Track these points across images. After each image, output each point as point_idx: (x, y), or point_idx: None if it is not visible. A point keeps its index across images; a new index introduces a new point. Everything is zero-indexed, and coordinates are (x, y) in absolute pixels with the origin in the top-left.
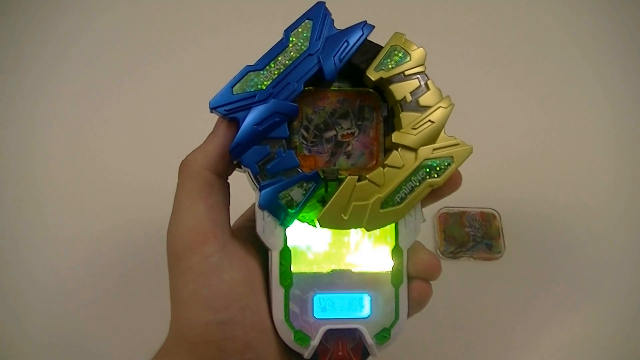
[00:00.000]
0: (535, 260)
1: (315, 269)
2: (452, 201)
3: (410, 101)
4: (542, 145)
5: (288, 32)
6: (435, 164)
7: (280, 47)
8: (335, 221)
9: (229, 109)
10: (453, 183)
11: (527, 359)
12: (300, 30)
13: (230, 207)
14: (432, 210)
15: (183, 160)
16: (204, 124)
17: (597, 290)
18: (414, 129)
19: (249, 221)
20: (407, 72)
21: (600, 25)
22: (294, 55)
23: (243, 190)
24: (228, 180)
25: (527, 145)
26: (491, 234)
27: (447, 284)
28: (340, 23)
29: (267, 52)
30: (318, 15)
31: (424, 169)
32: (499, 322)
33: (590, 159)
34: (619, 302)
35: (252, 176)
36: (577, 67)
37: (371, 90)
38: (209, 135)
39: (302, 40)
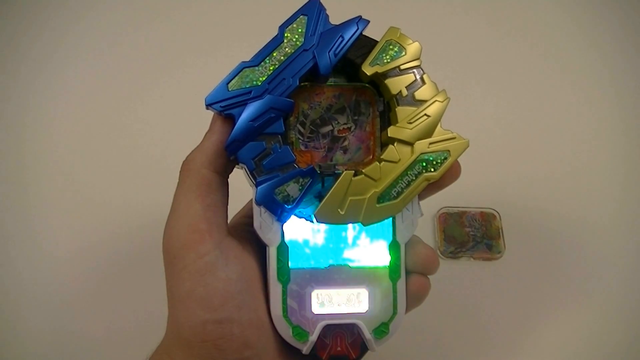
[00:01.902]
0: (535, 260)
1: (312, 264)
2: (452, 201)
3: (406, 95)
4: (543, 145)
5: (283, 27)
6: (431, 158)
7: (275, 43)
8: (331, 216)
9: (225, 105)
10: (453, 173)
11: (527, 359)
12: (295, 25)
13: (229, 204)
14: (432, 210)
15: (184, 160)
16: (205, 121)
17: (597, 289)
18: (410, 123)
19: (246, 217)
20: (402, 67)
21: (605, 22)
22: (289, 50)
23: (242, 187)
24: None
25: (527, 145)
26: (491, 234)
27: (447, 284)
28: (335, 18)
29: (262, 48)
30: (313, 10)
31: (420, 163)
32: (499, 321)
33: (590, 159)
34: (619, 302)
35: (248, 172)
36: (579, 66)
37: (367, 85)
38: (206, 133)
39: (297, 36)
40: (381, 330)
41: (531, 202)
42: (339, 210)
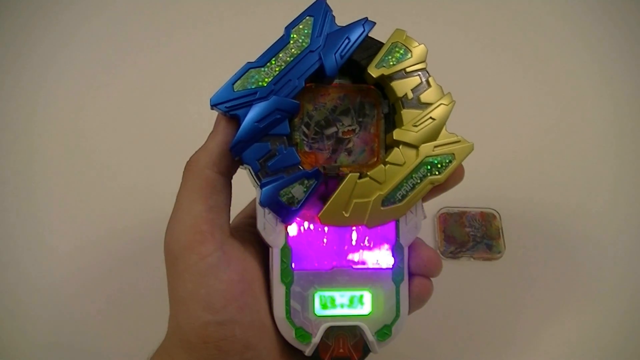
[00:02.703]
0: (535, 260)
1: (316, 266)
2: (452, 201)
3: (412, 98)
4: (543, 145)
5: (289, 28)
6: (436, 161)
7: (281, 43)
8: (336, 218)
9: (230, 106)
10: (456, 176)
11: (527, 359)
12: (301, 26)
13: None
14: (432, 210)
15: (188, 161)
16: (208, 122)
17: (597, 289)
18: (415, 126)
19: (248, 218)
20: (408, 69)
21: (603, 23)
22: (295, 51)
23: (243, 187)
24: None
25: (527, 145)
26: (491, 234)
27: (447, 284)
28: (342, 20)
29: (268, 48)
30: (319, 11)
31: (425, 166)
32: (499, 321)
33: (590, 159)
34: (619, 302)
35: (253, 173)
36: (579, 67)
37: (372, 87)
38: (210, 133)
39: (303, 37)
40: (384, 332)
41: (531, 202)
42: (343, 212)
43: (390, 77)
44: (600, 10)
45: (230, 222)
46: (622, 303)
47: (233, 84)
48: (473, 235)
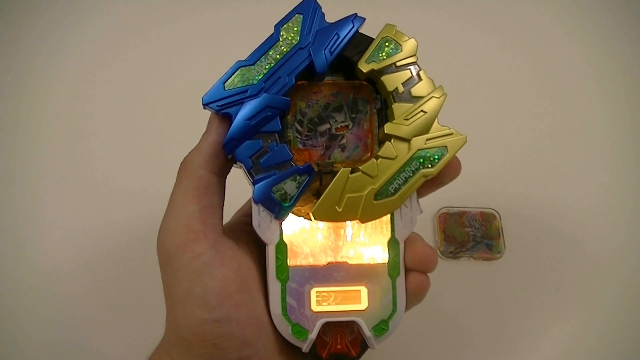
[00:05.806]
0: (535, 260)
1: (311, 262)
2: (452, 201)
3: (403, 92)
4: (543, 145)
5: (278, 26)
6: (428, 154)
7: (271, 41)
8: (329, 213)
9: (222, 104)
10: (453, 170)
11: (528, 359)
12: (290, 24)
13: (228, 204)
14: (432, 210)
15: (182, 161)
16: (202, 122)
17: (597, 290)
18: (407, 119)
19: (245, 216)
20: (398, 63)
21: (604, 19)
22: (285, 49)
23: (241, 187)
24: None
25: (527, 145)
26: (491, 234)
27: (447, 284)
28: (331, 16)
29: (258, 47)
30: (308, 9)
31: (418, 160)
32: (498, 322)
33: (590, 159)
34: (619, 302)
35: (245, 171)
36: (579, 67)
37: (364, 82)
38: (203, 133)
39: (292, 34)
40: (381, 327)
41: (531, 202)
42: (336, 207)
43: (381, 72)
44: (602, 4)
45: (228, 220)
46: (622, 302)
47: (224, 82)
48: (473, 235)
